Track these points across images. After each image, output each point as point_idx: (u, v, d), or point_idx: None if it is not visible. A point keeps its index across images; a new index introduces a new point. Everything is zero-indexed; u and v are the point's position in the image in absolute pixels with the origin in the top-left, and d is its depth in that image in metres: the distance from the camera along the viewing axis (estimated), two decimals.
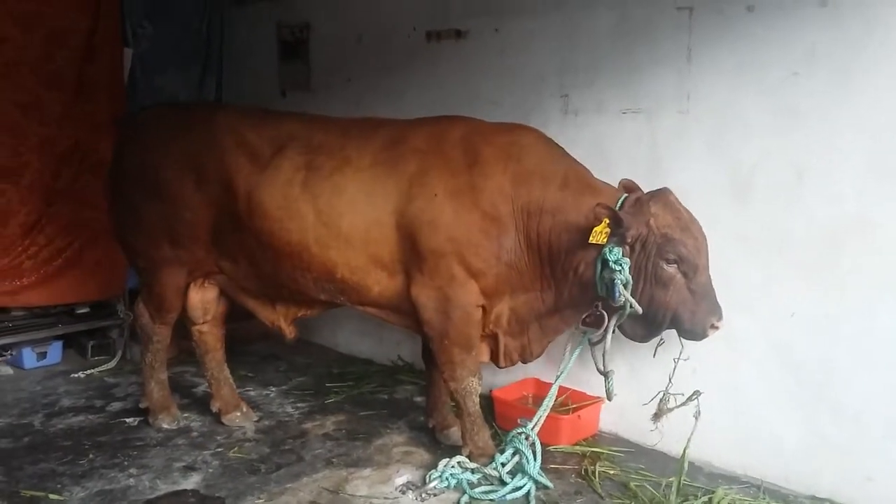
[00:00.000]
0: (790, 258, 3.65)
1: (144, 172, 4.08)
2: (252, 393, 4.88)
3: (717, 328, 3.48)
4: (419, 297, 3.72)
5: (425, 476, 3.73)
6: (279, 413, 4.60)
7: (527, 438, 3.70)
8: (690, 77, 3.87)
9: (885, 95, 3.31)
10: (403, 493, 3.65)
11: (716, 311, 3.47)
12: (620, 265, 3.34)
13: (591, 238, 3.38)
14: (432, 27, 4.94)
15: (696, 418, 3.92)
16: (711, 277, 3.50)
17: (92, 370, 5.22)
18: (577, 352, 3.83)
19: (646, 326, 3.60)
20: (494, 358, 3.96)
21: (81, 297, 5.28)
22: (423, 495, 3.62)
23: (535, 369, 4.46)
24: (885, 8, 3.27)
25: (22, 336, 5.13)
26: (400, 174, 3.71)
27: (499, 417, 4.37)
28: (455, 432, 4.16)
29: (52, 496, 3.51)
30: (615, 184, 3.82)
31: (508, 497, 3.59)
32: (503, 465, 3.68)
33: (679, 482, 3.61)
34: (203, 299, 4.32)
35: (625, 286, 3.38)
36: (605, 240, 3.36)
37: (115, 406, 4.65)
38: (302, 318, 4.36)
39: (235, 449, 4.06)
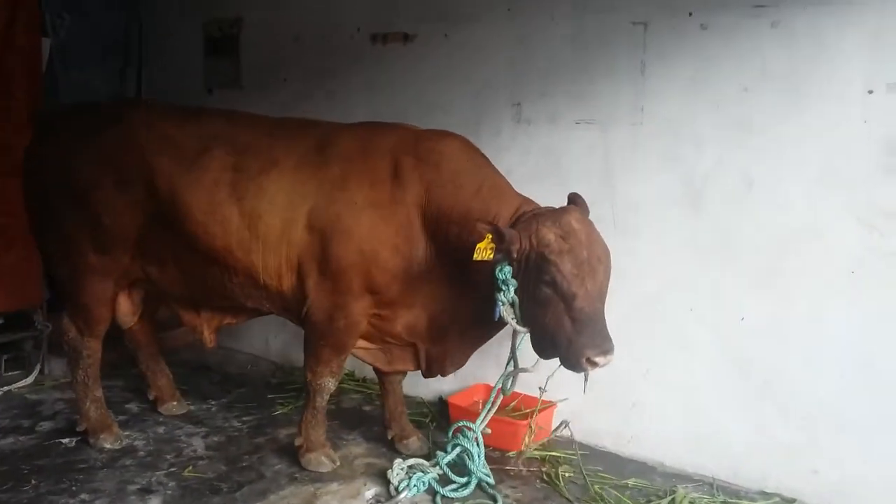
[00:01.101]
0: (740, 265, 3.86)
1: (61, 175, 3.86)
2: (192, 407, 4.67)
3: (595, 363, 3.17)
4: (312, 296, 3.70)
5: (391, 487, 3.71)
6: (226, 427, 4.43)
7: (475, 438, 3.75)
8: (644, 90, 4.01)
9: (832, 110, 3.54)
10: None
11: (597, 344, 3.16)
12: (506, 285, 3.26)
13: (475, 255, 3.24)
14: (378, 29, 4.88)
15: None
16: (602, 308, 3.27)
17: (8, 387, 4.85)
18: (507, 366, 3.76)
19: (538, 345, 3.42)
20: (418, 367, 3.96)
21: None
22: None
23: (486, 374, 4.51)
24: (833, 30, 3.50)
25: None
26: (322, 177, 3.66)
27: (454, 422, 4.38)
28: (414, 442, 4.17)
29: None
30: (566, 196, 3.93)
31: (462, 493, 3.68)
32: (448, 464, 3.75)
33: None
34: (132, 304, 4.23)
35: (511, 305, 3.31)
36: (490, 255, 3.24)
37: (46, 426, 4.35)
38: (227, 326, 4.28)
39: (190, 468, 3.89)
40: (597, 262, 3.22)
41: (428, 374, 3.98)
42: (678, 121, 3.93)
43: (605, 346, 3.18)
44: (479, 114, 4.54)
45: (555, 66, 4.25)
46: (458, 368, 3.99)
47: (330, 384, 3.88)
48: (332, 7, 5.11)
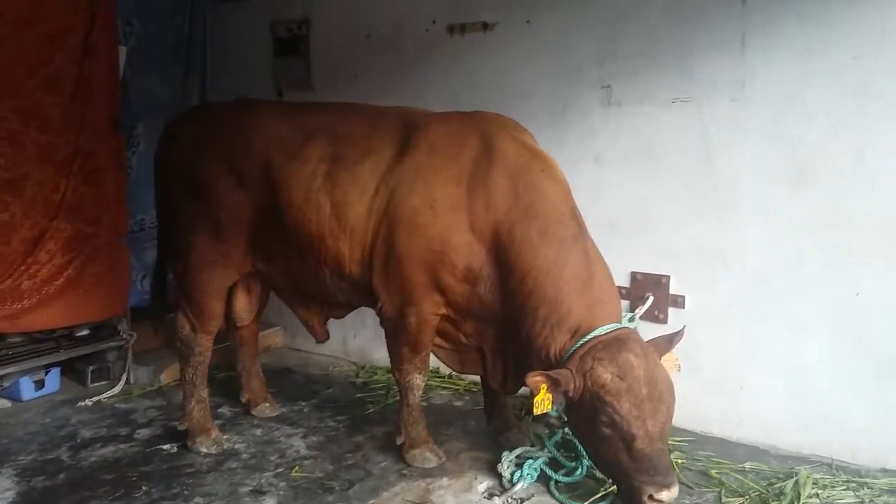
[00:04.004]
0: (852, 240, 3.73)
1: (183, 173, 3.99)
2: (284, 409, 4.63)
3: (658, 501, 3.03)
4: (381, 292, 3.68)
5: (504, 479, 3.64)
6: (323, 427, 4.38)
7: None
8: (744, 63, 3.90)
9: None
10: (490, 497, 3.54)
11: (657, 483, 3.03)
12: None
13: (534, 410, 3.12)
14: (455, 20, 4.81)
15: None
16: (664, 448, 3.11)
17: (98, 397, 4.83)
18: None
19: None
20: (486, 375, 3.89)
21: (84, 319, 4.87)
22: (510, 499, 3.53)
23: None
24: None
25: (23, 364, 4.69)
26: (406, 166, 3.59)
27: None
28: (516, 434, 4.10)
29: None
30: (661, 177, 3.95)
31: (576, 476, 3.62)
32: (556, 446, 3.76)
33: None
34: (249, 301, 4.36)
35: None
36: (549, 407, 3.14)
37: (143, 433, 4.31)
38: (334, 318, 4.31)
39: (296, 468, 3.83)
40: (658, 399, 3.06)
41: (494, 383, 3.89)
42: (782, 93, 3.82)
43: (667, 482, 3.04)
44: (565, 99, 4.46)
45: (648, 44, 4.15)
46: (518, 390, 3.84)
47: (417, 380, 3.84)
48: (405, 1, 5.05)
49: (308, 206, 3.70)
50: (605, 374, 3.06)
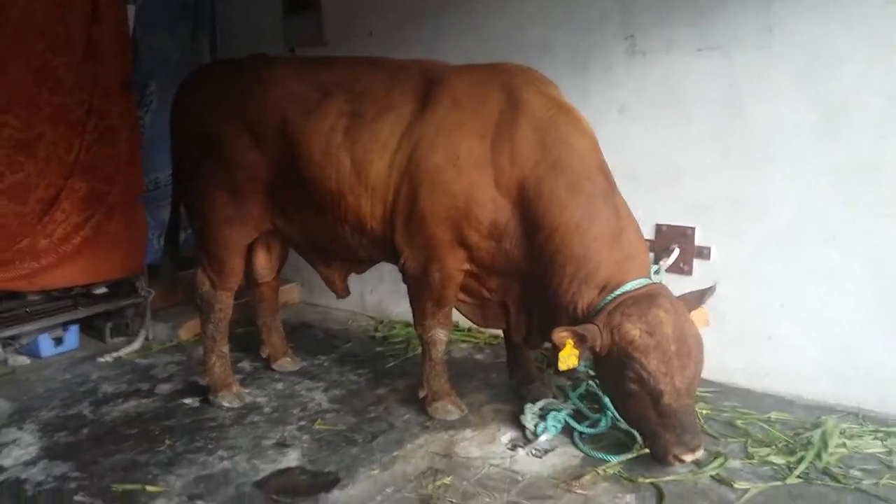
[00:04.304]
0: (884, 189, 3.66)
1: (199, 131, 3.92)
2: (304, 363, 4.63)
3: (682, 461, 3.06)
4: (404, 248, 3.64)
5: (527, 431, 3.63)
6: (344, 381, 4.37)
7: None
8: (772, 10, 3.79)
9: None
10: (513, 449, 3.53)
11: (684, 442, 3.03)
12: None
13: (559, 366, 3.07)
14: None
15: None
16: (691, 404, 3.08)
17: (117, 353, 4.84)
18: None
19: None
20: (508, 329, 3.85)
21: (101, 277, 4.87)
22: (534, 450, 3.51)
23: None
24: None
25: (42, 322, 4.70)
26: (428, 121, 3.50)
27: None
28: (538, 387, 4.06)
29: (148, 488, 3.21)
30: (688, 128, 3.87)
31: (600, 427, 3.61)
32: (580, 398, 3.76)
33: None
34: (269, 258, 4.35)
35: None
36: (576, 362, 3.09)
37: (164, 388, 4.32)
38: (356, 273, 4.30)
39: (319, 421, 3.83)
40: (686, 356, 3.02)
41: (517, 337, 3.86)
42: (812, 41, 3.72)
43: (693, 444, 3.04)
44: (587, 50, 4.36)
45: None
46: (541, 345, 3.82)
47: (441, 335, 3.82)
48: None
49: (327, 162, 3.64)
50: (634, 330, 3.03)
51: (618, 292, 3.16)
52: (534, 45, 4.52)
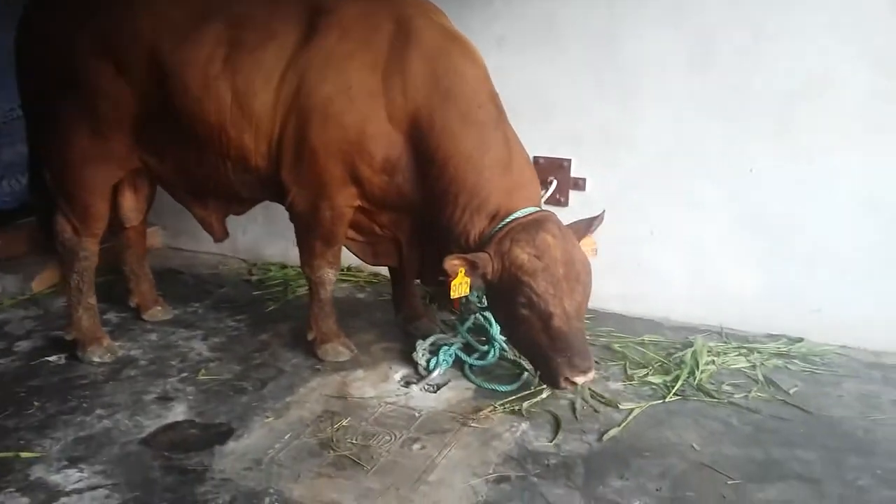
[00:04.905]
0: (748, 118, 3.88)
1: (53, 60, 3.53)
2: (177, 311, 4.40)
3: (573, 384, 3.12)
4: (291, 185, 3.52)
5: (419, 367, 3.65)
6: (223, 328, 4.21)
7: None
8: None
9: None
10: (407, 386, 3.55)
11: (575, 364, 3.08)
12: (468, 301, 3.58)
13: (451, 293, 3.12)
14: None
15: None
16: (581, 327, 3.17)
17: None
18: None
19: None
20: (401, 264, 3.83)
21: None
22: (427, 385, 3.55)
23: None
24: None
25: None
26: (315, 51, 3.36)
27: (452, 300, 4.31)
28: (425, 323, 4.09)
29: (23, 454, 2.97)
30: (564, 62, 3.94)
31: (489, 359, 3.70)
32: (468, 331, 3.79)
33: None
34: (136, 199, 4.02)
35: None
36: (467, 290, 3.16)
37: (23, 345, 3.98)
38: (234, 215, 4.08)
39: (202, 371, 3.68)
40: (574, 279, 3.11)
41: (409, 273, 3.88)
42: None
43: (584, 366, 3.10)
44: None
45: None
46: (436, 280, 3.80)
47: (329, 275, 3.73)
48: None
49: (205, 95, 3.39)
50: (523, 255, 3.08)
51: (508, 220, 3.20)
52: None
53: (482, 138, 3.28)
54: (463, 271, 3.11)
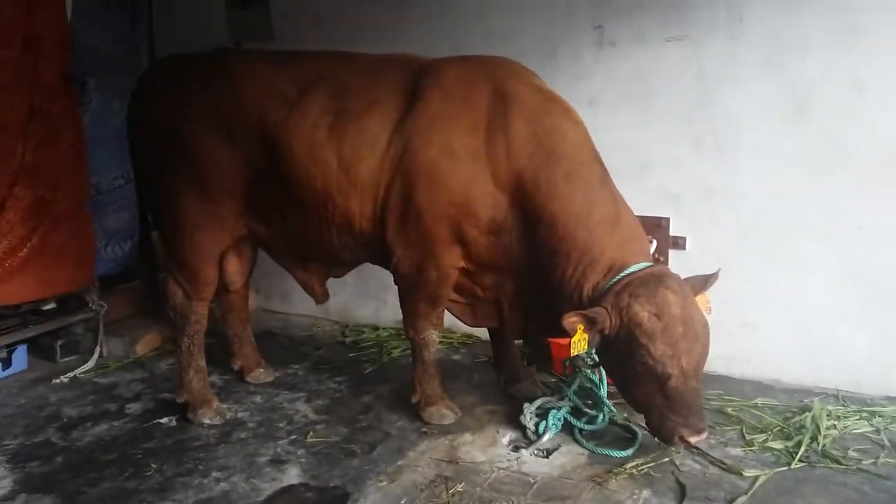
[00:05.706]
0: (852, 173, 3.80)
1: (164, 130, 3.69)
2: (278, 373, 4.46)
3: (688, 443, 3.13)
4: (397, 247, 3.54)
5: (528, 431, 3.60)
6: (325, 390, 4.24)
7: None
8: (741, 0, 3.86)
9: None
10: (516, 450, 3.50)
11: (691, 425, 3.08)
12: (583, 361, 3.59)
13: (571, 351, 3.10)
14: None
15: None
16: (698, 387, 3.13)
17: (72, 373, 4.54)
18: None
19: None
20: (502, 325, 3.79)
21: (51, 291, 4.54)
22: (538, 450, 3.50)
23: None
24: None
25: None
26: (419, 115, 3.42)
27: (556, 361, 4.28)
28: (527, 385, 4.06)
29: None
30: (656, 119, 3.95)
31: (599, 423, 3.62)
32: (575, 393, 3.73)
33: None
34: (240, 263, 4.08)
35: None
36: (586, 347, 3.12)
37: (134, 408, 4.08)
38: (334, 277, 4.16)
39: (310, 434, 3.70)
40: (693, 339, 3.07)
41: (512, 335, 3.88)
42: (780, 28, 3.81)
43: (699, 427, 3.10)
44: (556, 40, 4.35)
45: None
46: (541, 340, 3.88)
47: (433, 336, 3.74)
48: None
49: (312, 161, 3.49)
50: (643, 312, 3.04)
51: (624, 273, 3.18)
52: (500, 34, 4.47)
53: (589, 195, 3.29)
54: (581, 328, 3.09)
